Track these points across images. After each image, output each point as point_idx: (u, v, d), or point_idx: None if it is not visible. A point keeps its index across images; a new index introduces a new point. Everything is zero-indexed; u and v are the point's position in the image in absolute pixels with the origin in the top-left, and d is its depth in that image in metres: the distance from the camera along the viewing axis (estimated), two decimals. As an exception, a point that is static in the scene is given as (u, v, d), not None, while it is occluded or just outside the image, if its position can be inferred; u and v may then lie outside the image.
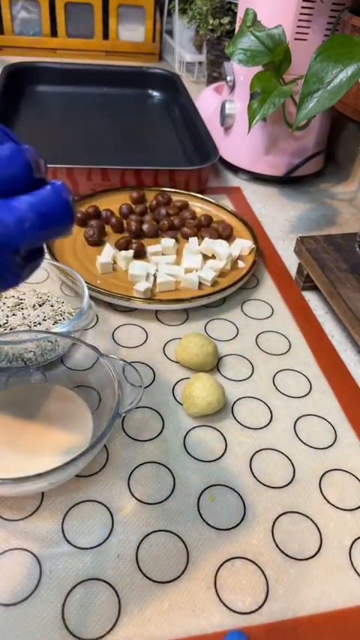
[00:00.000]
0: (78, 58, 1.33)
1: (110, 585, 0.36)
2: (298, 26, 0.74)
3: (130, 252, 0.63)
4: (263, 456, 0.46)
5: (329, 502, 0.43)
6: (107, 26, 1.33)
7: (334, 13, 0.74)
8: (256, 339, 0.58)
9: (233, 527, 0.41)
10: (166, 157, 0.91)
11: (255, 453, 0.46)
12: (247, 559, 0.39)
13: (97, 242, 0.66)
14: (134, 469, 0.44)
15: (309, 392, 0.53)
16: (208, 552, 0.39)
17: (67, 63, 1.19)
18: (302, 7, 0.73)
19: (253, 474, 0.44)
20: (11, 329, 0.52)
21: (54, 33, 1.33)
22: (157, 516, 0.41)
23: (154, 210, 0.74)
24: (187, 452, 0.45)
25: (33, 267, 0.29)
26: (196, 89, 1.17)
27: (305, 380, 0.54)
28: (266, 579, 0.38)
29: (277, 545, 0.40)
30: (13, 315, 0.54)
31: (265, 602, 0.37)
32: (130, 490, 0.42)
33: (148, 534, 0.39)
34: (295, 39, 0.75)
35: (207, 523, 0.41)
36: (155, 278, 0.61)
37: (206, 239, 0.66)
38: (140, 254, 0.65)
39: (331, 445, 0.48)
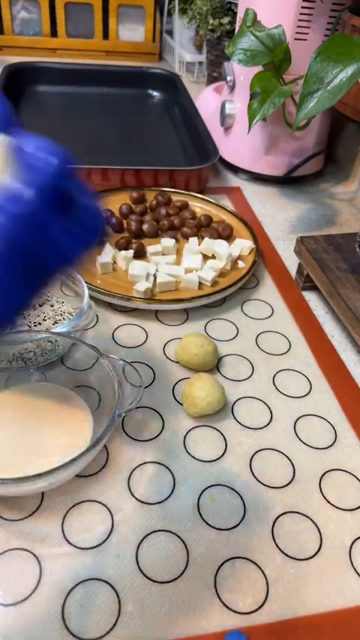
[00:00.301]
0: (78, 58, 1.33)
1: (110, 585, 0.36)
2: (298, 26, 0.74)
3: (130, 252, 0.63)
4: (263, 456, 0.46)
5: (329, 502, 0.43)
6: (107, 26, 1.33)
7: (334, 13, 0.74)
8: (256, 339, 0.58)
9: (233, 527, 0.41)
10: (166, 157, 0.91)
11: (255, 453, 0.46)
12: (247, 559, 0.39)
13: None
14: (134, 469, 0.44)
15: (309, 392, 0.53)
16: (208, 552, 0.39)
17: (67, 63, 1.19)
18: (302, 7, 0.73)
19: (253, 474, 0.44)
20: (11, 329, 0.52)
21: (54, 33, 1.32)
22: (157, 516, 0.41)
23: (154, 210, 0.74)
24: (187, 452, 0.45)
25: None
26: (196, 89, 1.17)
27: (305, 380, 0.54)
28: (266, 579, 0.38)
29: (277, 545, 0.40)
30: (13, 315, 0.54)
31: (265, 602, 0.37)
32: (130, 490, 0.42)
33: (148, 534, 0.39)
34: (295, 39, 0.75)
35: (207, 523, 0.41)
36: (155, 278, 0.61)
37: (206, 239, 0.66)
38: (140, 254, 0.65)
39: (331, 445, 0.48)
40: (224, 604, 0.36)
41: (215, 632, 0.35)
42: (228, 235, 0.69)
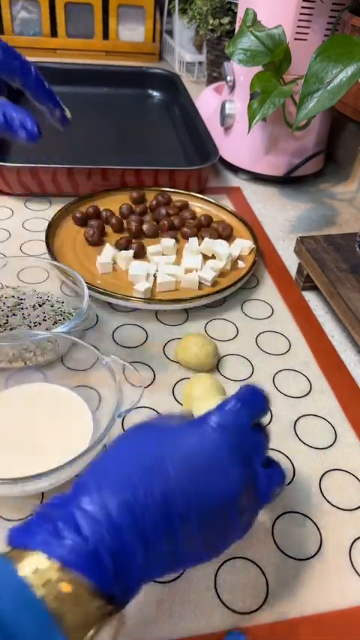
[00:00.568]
0: (78, 58, 1.33)
1: (110, 585, 0.36)
2: (298, 26, 0.74)
3: (130, 252, 0.63)
4: (263, 456, 0.46)
5: (329, 502, 0.43)
6: (107, 26, 1.33)
7: (334, 13, 0.74)
8: (256, 339, 0.58)
9: (233, 527, 0.40)
10: (166, 157, 0.91)
11: (255, 453, 0.46)
12: (247, 559, 0.39)
13: (97, 242, 0.66)
14: (134, 469, 0.43)
15: (309, 392, 0.53)
16: (208, 552, 0.39)
17: (67, 63, 1.19)
18: (302, 7, 0.73)
19: (253, 474, 0.44)
20: (11, 329, 0.52)
21: (54, 33, 1.32)
22: (157, 516, 0.40)
23: (154, 210, 0.74)
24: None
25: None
26: (196, 89, 1.17)
27: (305, 380, 0.54)
28: (266, 579, 0.38)
29: (277, 545, 0.40)
30: (13, 315, 0.54)
31: (265, 602, 0.37)
32: (130, 490, 0.42)
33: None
34: (295, 39, 0.75)
35: (207, 523, 0.40)
36: (155, 278, 0.61)
37: (206, 239, 0.66)
38: (140, 254, 0.65)
39: (331, 445, 0.48)
40: (224, 604, 0.36)
41: (215, 632, 0.35)
42: (228, 235, 0.69)
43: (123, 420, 0.47)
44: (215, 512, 0.28)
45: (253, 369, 0.54)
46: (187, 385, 0.49)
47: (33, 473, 0.35)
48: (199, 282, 0.61)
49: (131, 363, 0.46)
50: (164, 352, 0.55)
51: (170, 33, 1.39)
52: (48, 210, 0.74)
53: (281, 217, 0.81)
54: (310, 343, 0.58)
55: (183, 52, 1.28)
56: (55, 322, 0.53)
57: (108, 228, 0.70)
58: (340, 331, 0.61)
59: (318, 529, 0.41)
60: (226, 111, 0.85)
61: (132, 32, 1.36)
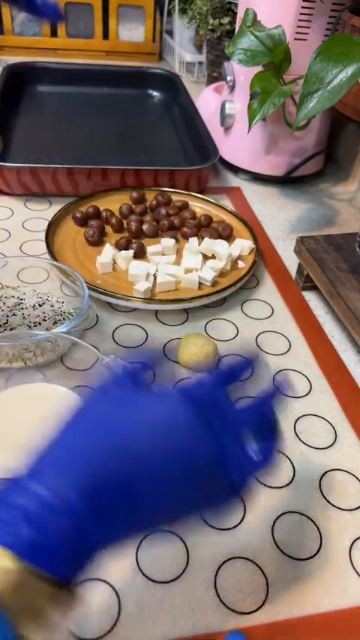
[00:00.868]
0: (78, 58, 1.33)
1: (110, 585, 0.36)
2: (298, 26, 0.74)
3: (130, 252, 0.63)
4: (263, 456, 0.46)
5: (329, 502, 0.43)
6: (107, 26, 1.33)
7: (334, 13, 0.74)
8: (256, 339, 0.58)
9: (233, 527, 0.41)
10: (166, 157, 0.91)
11: (255, 453, 0.46)
12: (247, 559, 0.39)
13: (97, 242, 0.66)
14: (134, 469, 0.43)
15: (309, 392, 0.53)
16: (208, 552, 0.39)
17: (67, 63, 1.19)
18: (302, 7, 0.73)
19: (253, 474, 0.44)
20: (11, 329, 0.52)
21: (54, 33, 1.32)
22: (157, 516, 0.41)
23: (154, 210, 0.74)
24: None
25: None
26: (196, 89, 1.16)
27: (305, 380, 0.54)
28: (266, 579, 0.38)
29: (277, 545, 0.40)
30: (13, 315, 0.54)
31: (265, 602, 0.37)
32: (130, 490, 0.42)
33: (148, 534, 0.39)
34: (295, 39, 0.75)
35: (207, 523, 0.41)
36: (155, 278, 0.61)
37: (206, 239, 0.66)
38: (140, 254, 0.65)
39: (331, 445, 0.48)
40: (224, 604, 0.36)
41: (215, 632, 0.35)
42: (228, 235, 0.69)
43: (123, 420, 0.47)
44: (174, 487, 0.27)
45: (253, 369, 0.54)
46: (187, 385, 0.49)
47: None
48: (199, 282, 0.61)
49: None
50: (164, 352, 0.55)
51: (170, 33, 1.39)
52: (48, 210, 0.74)
53: (281, 217, 0.81)
54: (310, 343, 0.58)
55: (183, 52, 1.28)
56: (55, 322, 0.53)
57: (108, 228, 0.70)
58: (340, 331, 0.61)
59: (318, 529, 0.41)
60: (226, 111, 0.85)
61: (132, 32, 1.36)
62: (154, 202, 0.74)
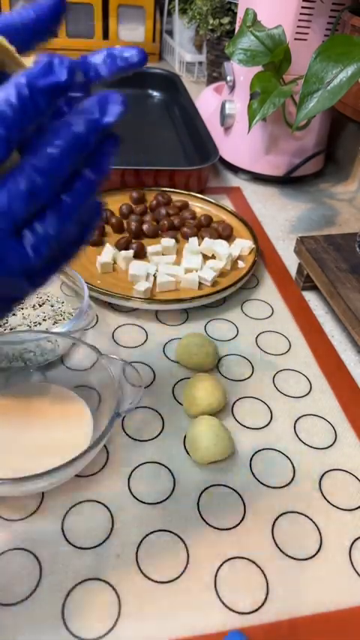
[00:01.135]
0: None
1: (110, 585, 0.36)
2: (298, 26, 0.74)
3: (130, 252, 0.63)
4: (263, 456, 0.46)
5: (329, 502, 0.43)
6: (107, 26, 1.33)
7: (334, 13, 0.74)
8: (256, 339, 0.58)
9: (233, 527, 0.41)
10: (166, 157, 0.91)
11: (255, 453, 0.46)
12: (247, 559, 0.39)
13: (97, 242, 0.66)
14: (134, 469, 0.44)
15: (309, 392, 0.53)
16: (208, 552, 0.39)
17: (67, 63, 1.18)
18: (302, 7, 0.73)
19: (253, 473, 0.44)
20: (11, 329, 0.52)
21: (54, 33, 1.32)
22: (157, 516, 0.41)
23: (154, 210, 0.74)
24: (187, 452, 0.45)
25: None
26: (196, 89, 1.16)
27: (305, 380, 0.54)
28: (266, 579, 0.38)
29: (277, 545, 0.40)
30: (13, 315, 0.54)
31: (265, 602, 0.37)
32: (130, 490, 0.42)
33: (148, 534, 0.39)
34: (295, 39, 0.75)
35: (207, 523, 0.41)
36: (155, 278, 0.61)
37: (206, 239, 0.66)
38: (140, 254, 0.65)
39: (331, 445, 0.48)
40: (224, 604, 0.36)
41: (215, 632, 0.35)
42: (228, 235, 0.69)
43: (123, 420, 0.47)
44: None
45: (253, 369, 0.54)
46: (187, 385, 0.49)
47: (33, 473, 0.35)
48: (199, 282, 0.61)
49: (131, 363, 0.46)
50: (164, 352, 0.55)
51: (170, 33, 1.39)
52: (48, 210, 0.74)
53: (281, 217, 0.81)
54: (310, 343, 0.58)
55: (183, 52, 1.28)
56: (55, 322, 0.53)
57: (108, 228, 0.70)
58: (340, 331, 0.61)
59: (318, 529, 0.41)
60: (226, 111, 0.85)
61: (132, 32, 1.36)
62: (154, 202, 0.74)
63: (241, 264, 0.66)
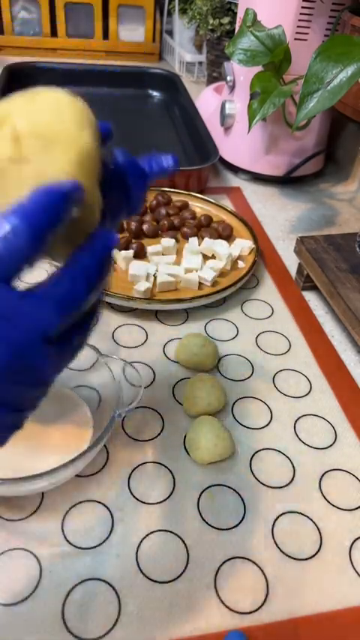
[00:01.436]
0: (78, 58, 1.33)
1: (110, 585, 0.36)
2: (298, 26, 0.74)
3: (130, 252, 0.63)
4: (263, 456, 0.46)
5: (329, 502, 0.43)
6: (107, 26, 1.33)
7: (334, 13, 0.74)
8: (256, 339, 0.58)
9: (233, 527, 0.41)
10: (166, 157, 0.91)
11: (255, 453, 0.46)
12: (247, 559, 0.39)
13: (97, 242, 0.66)
14: (134, 469, 0.44)
15: (309, 392, 0.53)
16: (208, 552, 0.39)
17: (67, 63, 1.19)
18: (302, 7, 0.73)
19: (253, 473, 0.44)
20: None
21: (54, 33, 1.32)
22: (157, 516, 0.41)
23: (154, 210, 0.74)
24: (187, 452, 0.45)
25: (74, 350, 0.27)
26: (196, 89, 1.16)
27: (305, 380, 0.54)
28: (266, 579, 0.38)
29: (277, 545, 0.40)
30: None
31: (265, 602, 0.37)
32: (130, 490, 0.42)
33: (148, 534, 0.39)
34: (295, 39, 0.75)
35: (207, 523, 0.41)
36: (155, 278, 0.61)
37: (206, 239, 0.66)
38: (140, 254, 0.65)
39: (331, 445, 0.48)
40: (224, 604, 0.36)
41: (215, 632, 0.35)
42: (228, 235, 0.69)
43: (123, 420, 0.47)
44: None
45: (253, 369, 0.54)
46: (187, 385, 0.49)
47: (33, 473, 0.35)
48: (199, 282, 0.61)
49: (131, 363, 0.46)
50: (164, 352, 0.55)
51: (170, 33, 1.39)
52: (48, 210, 0.74)
53: (281, 217, 0.81)
54: (310, 343, 0.58)
55: (183, 52, 1.28)
56: (55, 322, 0.53)
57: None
58: (340, 331, 0.61)
59: (318, 529, 0.41)
60: (226, 111, 0.85)
61: (132, 32, 1.36)
62: (154, 202, 0.74)
63: (241, 264, 0.66)
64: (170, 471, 0.44)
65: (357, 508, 0.43)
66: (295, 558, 0.39)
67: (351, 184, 0.91)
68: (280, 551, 0.40)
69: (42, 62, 1.14)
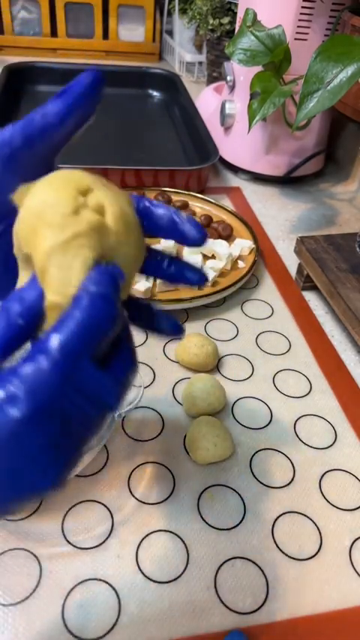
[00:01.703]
0: (78, 58, 1.33)
1: (110, 585, 0.36)
2: (298, 26, 0.74)
3: (130, 252, 0.63)
4: (263, 456, 0.46)
5: (329, 502, 0.43)
6: (107, 26, 1.33)
7: (334, 13, 0.74)
8: (256, 339, 0.58)
9: (233, 527, 0.41)
10: (166, 157, 0.91)
11: (255, 453, 0.46)
12: (247, 559, 0.39)
13: (97, 242, 0.66)
14: (134, 469, 0.44)
15: (309, 392, 0.53)
16: (208, 552, 0.39)
17: (67, 63, 1.19)
18: (302, 7, 0.73)
19: (253, 473, 0.44)
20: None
21: (54, 33, 1.32)
22: (157, 516, 0.41)
23: (154, 210, 0.73)
24: (187, 452, 0.45)
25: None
26: (196, 89, 1.16)
27: (305, 380, 0.54)
28: (266, 579, 0.38)
29: (277, 545, 0.40)
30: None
31: (265, 602, 0.37)
32: (130, 490, 0.42)
33: (148, 534, 0.39)
34: (295, 39, 0.75)
35: (207, 523, 0.41)
36: (155, 278, 0.60)
37: (206, 239, 0.66)
38: (140, 254, 0.65)
39: (331, 445, 0.48)
40: (224, 604, 0.36)
41: (215, 632, 0.35)
42: (228, 235, 0.69)
43: (123, 420, 0.47)
44: None
45: (253, 369, 0.54)
46: (188, 385, 0.49)
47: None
48: (199, 282, 0.61)
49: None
50: (164, 352, 0.55)
51: (170, 33, 1.39)
52: (48, 210, 0.74)
53: (281, 217, 0.81)
54: (310, 343, 0.58)
55: (183, 52, 1.28)
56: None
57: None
58: (340, 331, 0.61)
59: (318, 529, 0.41)
60: (226, 111, 0.85)
61: (132, 32, 1.36)
62: (154, 202, 0.74)
63: (241, 264, 0.66)
64: (170, 471, 0.44)
65: (357, 508, 0.43)
66: (295, 558, 0.39)
67: (351, 184, 0.91)
68: (280, 551, 0.40)
69: (42, 62, 1.14)
